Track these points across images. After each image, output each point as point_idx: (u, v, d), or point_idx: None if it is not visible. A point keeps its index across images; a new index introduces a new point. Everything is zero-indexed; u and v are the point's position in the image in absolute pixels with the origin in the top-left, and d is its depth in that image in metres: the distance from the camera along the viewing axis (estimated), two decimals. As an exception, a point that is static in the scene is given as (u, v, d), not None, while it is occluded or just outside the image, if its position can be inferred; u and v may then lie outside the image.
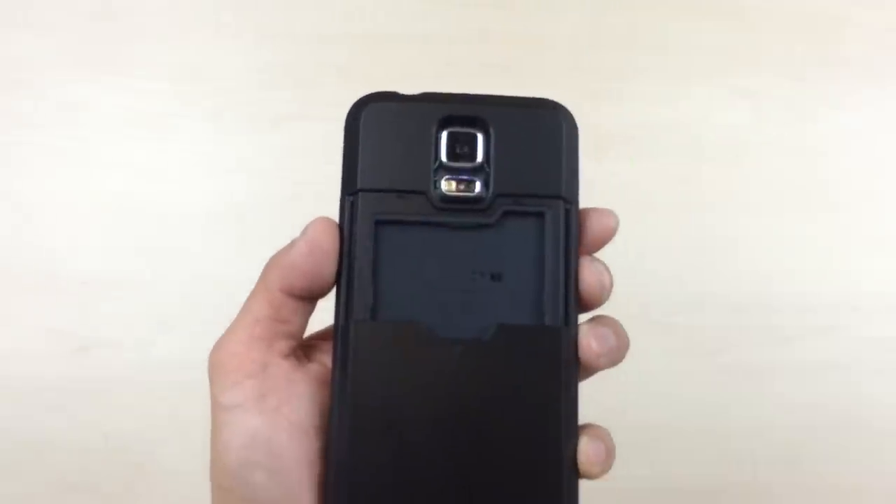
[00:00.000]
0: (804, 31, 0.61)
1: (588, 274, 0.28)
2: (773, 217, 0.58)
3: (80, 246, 0.56)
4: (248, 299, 0.28)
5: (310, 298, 0.28)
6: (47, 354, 0.54)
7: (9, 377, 0.54)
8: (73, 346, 0.54)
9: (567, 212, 0.28)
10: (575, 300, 0.27)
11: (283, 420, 0.26)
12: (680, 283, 0.57)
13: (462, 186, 0.27)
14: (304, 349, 0.29)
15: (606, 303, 0.29)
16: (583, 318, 0.28)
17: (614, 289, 0.28)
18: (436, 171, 0.28)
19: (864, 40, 0.61)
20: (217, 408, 0.27)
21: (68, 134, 0.58)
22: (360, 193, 0.27)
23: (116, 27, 0.59)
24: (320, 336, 0.30)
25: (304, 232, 0.27)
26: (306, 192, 0.56)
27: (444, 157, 0.28)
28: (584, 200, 0.29)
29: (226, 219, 0.57)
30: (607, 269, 0.28)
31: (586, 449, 0.27)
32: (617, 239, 0.29)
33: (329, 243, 0.27)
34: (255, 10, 0.60)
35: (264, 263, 0.28)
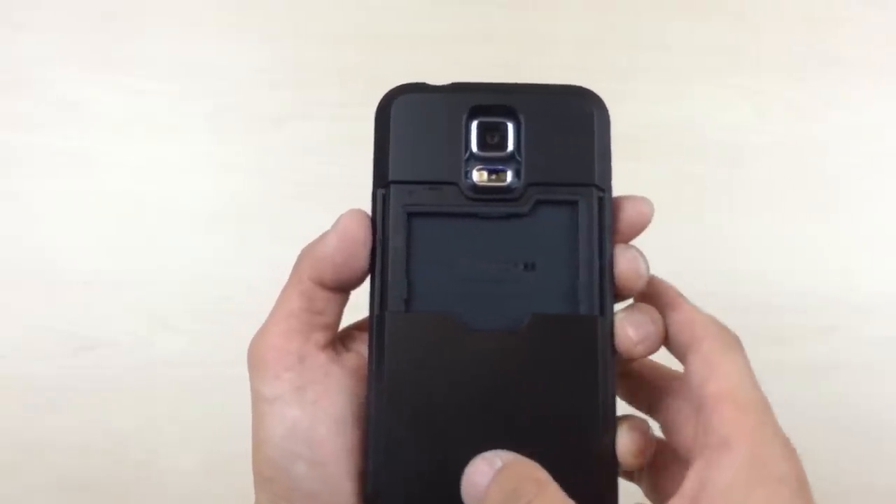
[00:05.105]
0: (805, 31, 0.61)
1: (623, 261, 0.27)
2: (773, 217, 0.58)
3: (81, 245, 0.56)
4: (282, 292, 0.28)
5: (342, 289, 0.28)
6: (47, 354, 0.54)
7: (9, 377, 0.54)
8: (73, 346, 0.54)
9: (600, 199, 0.27)
10: (610, 288, 0.27)
11: (322, 412, 0.27)
12: (680, 282, 0.57)
13: (493, 176, 0.27)
14: (341, 340, 0.29)
15: None
16: (618, 306, 0.28)
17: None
18: (467, 161, 0.27)
19: (864, 40, 0.61)
20: (258, 400, 0.27)
21: (68, 134, 0.58)
22: (391, 185, 0.27)
23: (116, 27, 0.59)
24: (357, 326, 0.30)
25: (335, 223, 0.27)
26: (308, 192, 0.56)
27: (474, 148, 0.27)
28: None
29: (226, 219, 0.57)
30: (642, 255, 0.28)
31: (625, 440, 0.26)
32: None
33: (361, 234, 0.27)
34: (258, 9, 0.60)
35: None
